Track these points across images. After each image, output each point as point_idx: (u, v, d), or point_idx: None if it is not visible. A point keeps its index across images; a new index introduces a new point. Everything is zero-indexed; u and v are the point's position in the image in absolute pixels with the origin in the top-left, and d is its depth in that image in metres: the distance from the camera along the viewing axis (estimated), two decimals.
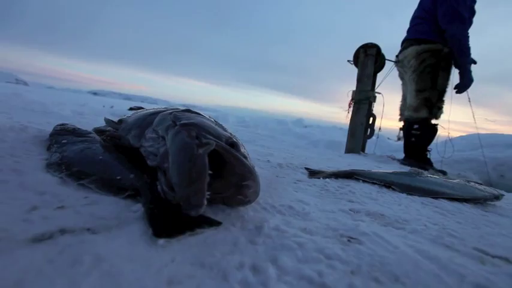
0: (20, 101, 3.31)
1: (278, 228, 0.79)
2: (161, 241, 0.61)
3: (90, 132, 1.32)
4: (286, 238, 0.72)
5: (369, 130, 4.09)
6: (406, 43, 3.54)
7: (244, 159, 0.92)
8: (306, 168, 1.82)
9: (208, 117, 1.25)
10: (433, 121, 3.38)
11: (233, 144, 0.97)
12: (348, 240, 0.73)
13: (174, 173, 0.76)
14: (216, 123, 1.19)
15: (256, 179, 0.92)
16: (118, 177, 0.90)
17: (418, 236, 0.82)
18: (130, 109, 5.35)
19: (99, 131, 1.43)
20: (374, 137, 4.22)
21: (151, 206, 0.73)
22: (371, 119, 4.04)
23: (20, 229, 0.58)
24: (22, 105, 3.05)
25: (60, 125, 1.36)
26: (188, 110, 1.16)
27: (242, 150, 1.00)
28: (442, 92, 3.31)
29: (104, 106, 5.77)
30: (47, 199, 0.73)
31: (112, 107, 5.89)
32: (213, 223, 0.75)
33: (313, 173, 1.71)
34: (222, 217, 0.82)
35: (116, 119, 1.52)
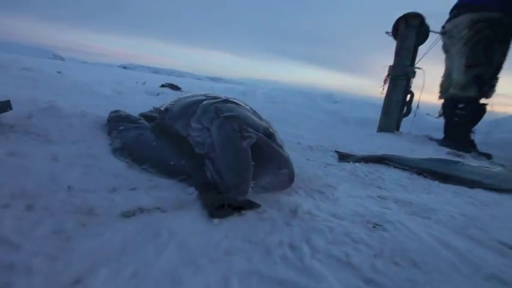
0: (67, 82, 3.67)
1: (310, 212, 0.91)
2: (216, 221, 0.77)
3: (139, 118, 1.51)
4: (317, 222, 0.84)
5: (405, 108, 3.90)
6: (457, 10, 3.19)
7: (280, 150, 1.03)
8: (336, 152, 1.89)
9: (244, 105, 1.36)
10: (482, 100, 3.13)
11: (270, 135, 1.08)
12: (373, 227, 0.83)
13: (222, 164, 0.90)
14: (253, 112, 1.30)
15: (291, 167, 1.04)
16: (171, 163, 1.07)
17: (442, 226, 0.90)
18: (162, 86, 5.65)
19: (145, 116, 1.62)
20: (411, 115, 4.03)
21: (204, 192, 0.89)
22: (408, 96, 3.83)
23: (111, 206, 0.76)
24: (70, 85, 3.40)
25: (114, 112, 1.57)
26: (227, 101, 1.28)
27: (278, 140, 1.11)
28: (498, 69, 3.00)
29: (136, 83, 6.12)
30: (122, 181, 0.92)
31: (144, 83, 6.24)
32: (254, 206, 0.89)
33: (343, 157, 1.77)
34: (260, 200, 0.96)
35: (159, 106, 1.68)
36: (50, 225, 0.63)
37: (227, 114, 1.08)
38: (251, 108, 1.38)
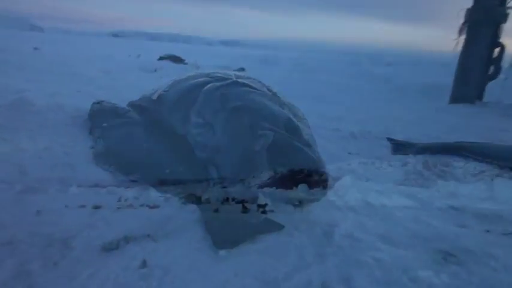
0: (44, 62, 3.84)
1: (351, 235, 0.86)
2: (222, 252, 0.75)
3: (128, 110, 1.53)
4: (361, 251, 0.79)
5: (492, 67, 3.61)
6: None
7: (307, 150, 0.98)
8: (389, 139, 1.81)
9: (259, 86, 1.30)
10: None
11: (293, 129, 1.03)
12: (443, 258, 0.77)
13: (229, 172, 0.88)
14: (272, 95, 1.25)
15: (323, 171, 0.99)
16: (166, 171, 1.07)
17: None
18: (161, 58, 5.71)
19: (135, 107, 1.63)
20: (501, 76, 3.74)
21: (208, 211, 0.87)
22: (497, 50, 3.53)
23: (90, 236, 0.77)
24: (48, 66, 3.55)
25: (97, 103, 1.60)
26: (236, 83, 1.24)
27: (304, 134, 1.05)
28: None
29: (130, 56, 6.23)
30: (105, 199, 0.93)
31: (139, 56, 6.33)
32: (274, 227, 0.86)
33: (398, 147, 1.70)
34: (285, 216, 0.92)
35: (149, 93, 1.66)
36: (11, 266, 0.65)
37: (236, 104, 1.05)
38: (269, 90, 1.33)
